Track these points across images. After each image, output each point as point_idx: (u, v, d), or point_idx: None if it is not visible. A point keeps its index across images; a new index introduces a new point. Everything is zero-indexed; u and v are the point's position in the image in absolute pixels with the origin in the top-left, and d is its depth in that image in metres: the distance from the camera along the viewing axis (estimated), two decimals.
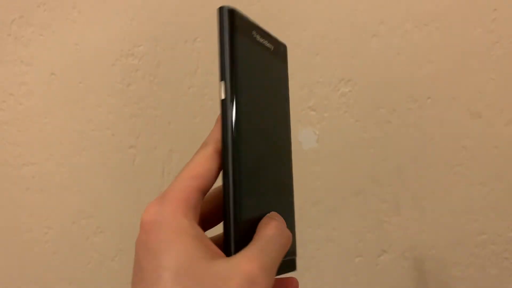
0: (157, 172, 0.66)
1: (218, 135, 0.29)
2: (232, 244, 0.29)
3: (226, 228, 0.28)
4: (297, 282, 0.32)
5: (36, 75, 0.67)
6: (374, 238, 0.65)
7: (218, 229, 0.30)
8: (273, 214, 0.31)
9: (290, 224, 0.33)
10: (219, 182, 0.29)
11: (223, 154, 0.28)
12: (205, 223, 0.31)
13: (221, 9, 0.29)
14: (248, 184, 0.29)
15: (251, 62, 0.31)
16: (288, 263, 0.33)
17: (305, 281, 0.67)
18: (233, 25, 0.29)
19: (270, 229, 0.29)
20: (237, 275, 0.24)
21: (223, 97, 0.28)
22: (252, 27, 0.31)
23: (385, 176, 0.64)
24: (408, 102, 0.63)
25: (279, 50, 0.35)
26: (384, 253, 0.65)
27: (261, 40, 0.32)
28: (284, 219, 0.32)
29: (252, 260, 0.26)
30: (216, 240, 0.29)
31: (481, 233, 0.64)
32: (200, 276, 0.24)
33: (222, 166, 0.28)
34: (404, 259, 0.65)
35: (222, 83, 0.28)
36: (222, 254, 0.27)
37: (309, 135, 0.64)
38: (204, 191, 0.29)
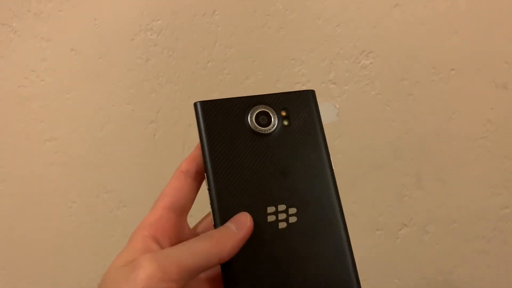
0: (178, 147, 0.67)
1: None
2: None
3: None
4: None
5: (57, 51, 0.67)
6: (395, 212, 0.65)
7: None
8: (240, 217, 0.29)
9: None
10: None
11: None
12: None
13: (195, 105, 0.30)
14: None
15: (237, 144, 0.31)
16: None
17: None
18: (208, 119, 0.30)
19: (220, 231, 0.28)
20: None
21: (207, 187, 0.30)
22: (243, 109, 0.31)
23: (407, 149, 0.63)
24: (431, 74, 0.61)
25: (299, 107, 0.33)
26: (404, 227, 0.65)
27: (259, 117, 0.31)
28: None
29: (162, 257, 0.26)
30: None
31: (504, 207, 0.63)
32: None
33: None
34: (425, 233, 0.65)
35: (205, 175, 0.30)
36: None
37: (330, 109, 0.63)
38: (178, 209, 0.30)
